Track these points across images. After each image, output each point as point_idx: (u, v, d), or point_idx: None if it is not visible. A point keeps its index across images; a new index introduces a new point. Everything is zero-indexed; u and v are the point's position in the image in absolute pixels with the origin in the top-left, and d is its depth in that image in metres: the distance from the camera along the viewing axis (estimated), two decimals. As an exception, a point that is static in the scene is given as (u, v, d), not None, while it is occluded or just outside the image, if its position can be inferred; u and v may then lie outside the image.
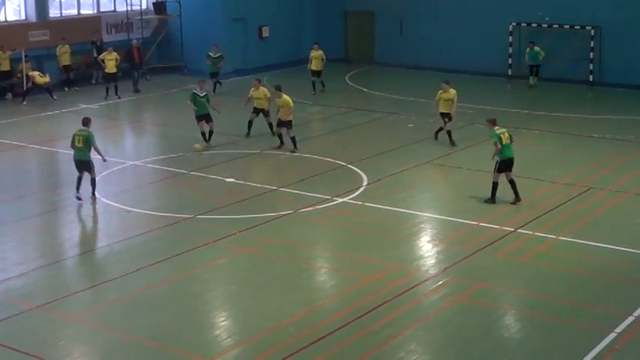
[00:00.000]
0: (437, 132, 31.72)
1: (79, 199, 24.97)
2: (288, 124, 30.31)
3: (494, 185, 24.44)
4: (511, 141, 24.68)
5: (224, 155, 30.04)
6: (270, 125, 31.76)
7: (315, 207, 24.78)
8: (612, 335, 17.17)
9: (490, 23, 44.36)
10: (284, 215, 24.11)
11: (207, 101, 31.77)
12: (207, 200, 25.38)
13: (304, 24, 50.02)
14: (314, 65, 40.70)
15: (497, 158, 24.35)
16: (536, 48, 41.51)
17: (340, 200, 25.37)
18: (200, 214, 24.11)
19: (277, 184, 26.69)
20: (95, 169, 25.37)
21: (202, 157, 29.89)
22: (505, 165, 24.34)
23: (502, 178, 24.26)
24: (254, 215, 24.01)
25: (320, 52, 40.52)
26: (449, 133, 31.23)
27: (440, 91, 31.29)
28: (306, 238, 22.80)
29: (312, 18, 50.16)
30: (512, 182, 24.39)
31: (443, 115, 31.21)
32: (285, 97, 30.47)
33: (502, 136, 24.34)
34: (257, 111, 31.94)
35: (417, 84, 42.88)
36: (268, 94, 31.85)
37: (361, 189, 26.42)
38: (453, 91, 31.35)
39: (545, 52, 41.37)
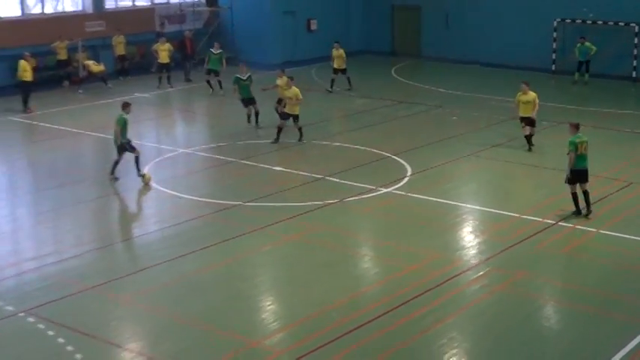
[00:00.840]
0: (527, 139, 29.58)
1: (116, 179, 25.69)
2: (295, 118, 30.17)
3: (573, 197, 22.83)
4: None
5: (272, 145, 30.12)
6: (300, 130, 30.74)
7: (360, 196, 24.84)
8: (649, 327, 17.21)
9: (534, 19, 44.20)
10: (330, 204, 24.19)
11: (250, 83, 32.50)
12: (255, 188, 25.50)
13: (352, 17, 50.05)
14: (337, 64, 39.84)
15: (570, 167, 22.61)
16: (587, 43, 41.09)
17: (385, 190, 25.42)
18: (248, 202, 24.24)
19: (324, 174, 26.78)
20: (135, 148, 25.88)
21: (249, 146, 30.00)
22: (577, 175, 22.73)
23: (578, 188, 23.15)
24: (301, 203, 24.10)
25: (341, 51, 39.81)
26: (528, 137, 29.39)
27: (519, 93, 29.51)
28: (351, 226, 22.88)
29: (359, 12, 50.19)
30: (585, 193, 22.79)
31: (522, 119, 29.44)
32: (295, 89, 30.24)
33: (579, 145, 22.61)
34: (287, 116, 30.67)
35: (461, 78, 42.83)
36: (300, 96, 30.56)
37: (405, 179, 26.45)
38: (532, 94, 29.26)
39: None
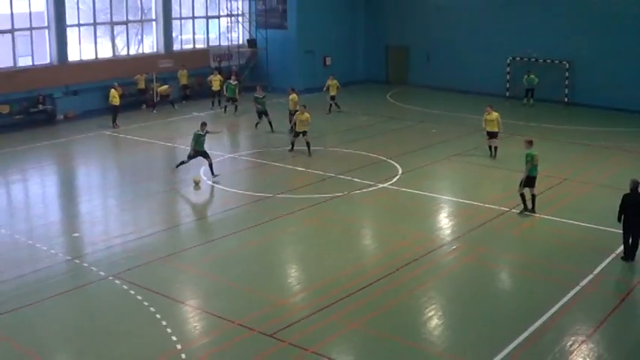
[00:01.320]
0: (490, 150, 29.16)
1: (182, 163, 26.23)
2: (304, 133, 29.35)
3: (522, 197, 22.32)
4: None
5: (296, 151, 29.99)
6: (308, 145, 29.48)
7: (362, 190, 24.79)
8: (577, 288, 17.16)
9: (493, 57, 43.91)
10: (340, 196, 24.14)
11: (265, 100, 33.91)
12: (283, 183, 25.48)
13: (356, 54, 49.86)
14: (331, 91, 38.57)
15: (526, 174, 22.06)
16: (532, 75, 41.07)
17: (381, 185, 25.36)
18: (278, 194, 24.23)
19: (334, 173, 26.71)
20: (210, 156, 26.07)
21: (278, 152, 29.96)
22: (529, 181, 22.22)
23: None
24: (318, 195, 24.08)
25: (335, 82, 38.73)
26: (495, 148, 28.94)
27: (485, 114, 28.95)
28: (356, 213, 22.83)
29: (362, 50, 50.00)
30: (534, 196, 22.33)
31: (489, 133, 28.95)
32: (307, 114, 29.60)
33: (535, 157, 22.13)
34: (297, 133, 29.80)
35: (439, 100, 42.60)
36: (309, 120, 29.74)
37: (397, 177, 26.37)
38: (495, 114, 28.74)
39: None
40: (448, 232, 21.13)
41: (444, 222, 22.21)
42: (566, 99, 41.82)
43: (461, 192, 25.04)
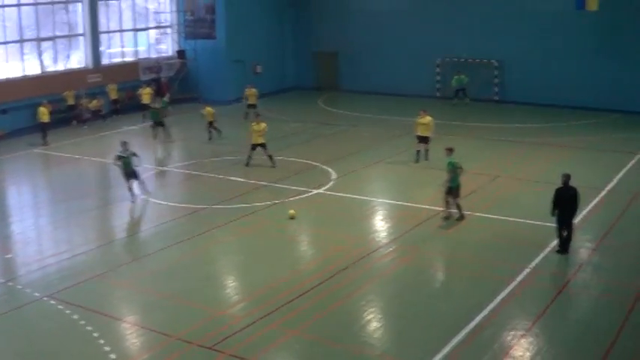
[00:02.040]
0: (417, 155, 28.76)
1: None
2: (263, 146, 28.55)
3: (446, 204, 21.97)
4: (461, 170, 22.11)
5: (228, 161, 29.98)
6: (271, 157, 28.82)
7: (297, 197, 24.75)
8: (514, 283, 17.38)
9: (422, 58, 44.35)
10: (275, 204, 24.11)
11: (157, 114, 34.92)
12: (218, 194, 25.32)
13: (286, 61, 49.88)
14: (250, 100, 38.05)
15: (448, 184, 21.82)
16: (462, 75, 41.60)
17: (316, 191, 25.38)
18: (213, 205, 24.10)
19: (268, 181, 26.65)
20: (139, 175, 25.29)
21: (214, 162, 29.80)
22: (452, 191, 21.77)
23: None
24: (253, 204, 23.99)
25: (254, 90, 38.35)
26: (426, 151, 28.49)
27: (418, 117, 28.59)
28: (291, 220, 22.68)
29: (291, 57, 50.03)
30: (459, 206, 21.89)
31: (420, 138, 28.47)
32: (263, 123, 28.78)
33: (455, 166, 21.77)
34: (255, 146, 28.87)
35: (370, 104, 42.84)
36: (266, 129, 28.78)
37: (331, 182, 26.43)
38: (428, 118, 28.38)
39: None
40: (384, 234, 21.22)
41: (380, 225, 22.31)
42: (496, 97, 42.45)
43: (395, 194, 25.19)
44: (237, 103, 40.71)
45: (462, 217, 22.01)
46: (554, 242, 19.45)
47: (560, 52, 40.39)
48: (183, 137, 34.82)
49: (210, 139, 33.83)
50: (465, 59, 42.95)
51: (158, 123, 34.90)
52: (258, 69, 47.26)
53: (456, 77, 41.71)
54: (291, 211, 22.70)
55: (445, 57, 43.73)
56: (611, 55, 39.06)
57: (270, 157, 28.69)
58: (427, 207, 23.10)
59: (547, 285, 17.69)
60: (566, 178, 19.03)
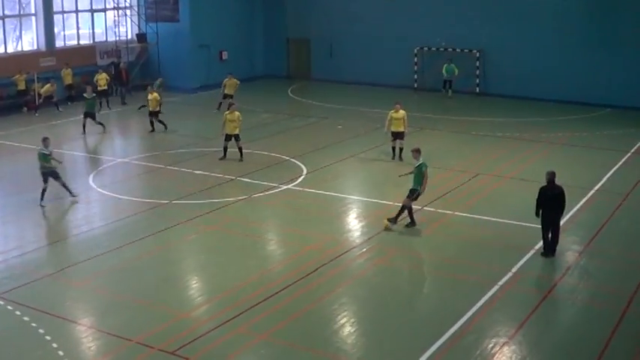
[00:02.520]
0: (393, 151, 28.66)
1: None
2: (237, 137, 28.63)
3: (409, 210, 21.27)
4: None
5: (192, 153, 29.84)
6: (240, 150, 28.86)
7: (265, 192, 24.69)
8: (496, 287, 17.41)
9: (400, 47, 44.42)
10: (241, 199, 24.02)
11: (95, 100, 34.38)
12: (180, 188, 25.16)
13: (255, 48, 49.78)
14: (228, 90, 37.72)
15: (418, 189, 21.14)
16: (452, 65, 41.68)
17: (285, 187, 25.30)
18: (175, 200, 23.94)
19: (235, 175, 26.55)
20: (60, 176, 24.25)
21: (176, 154, 29.62)
22: (415, 195, 21.17)
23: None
24: (218, 200, 23.89)
25: (235, 80, 38.17)
26: (400, 149, 28.27)
27: (392, 111, 28.25)
28: (259, 217, 22.65)
29: (261, 44, 49.92)
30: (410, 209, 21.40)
31: (394, 134, 28.32)
32: (237, 112, 28.82)
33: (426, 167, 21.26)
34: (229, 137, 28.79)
35: (344, 95, 42.85)
36: (240, 118, 28.76)
37: (301, 178, 26.37)
38: (402, 112, 28.08)
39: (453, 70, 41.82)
40: (358, 233, 21.20)
41: (353, 223, 22.27)
42: (477, 89, 42.58)
43: (370, 191, 25.18)
44: (201, 92, 40.60)
45: (413, 224, 21.39)
46: (539, 244, 19.51)
47: (546, 41, 40.57)
48: (145, 128, 34.48)
49: (152, 130, 33.53)
50: (444, 48, 43.06)
51: (89, 114, 33.60)
52: (225, 55, 47.11)
53: (445, 66, 41.73)
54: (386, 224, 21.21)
55: (424, 46, 43.81)
56: (603, 44, 39.27)
57: (240, 149, 28.61)
58: (399, 204, 23.01)
59: (531, 290, 17.74)
60: (551, 176, 19.08)
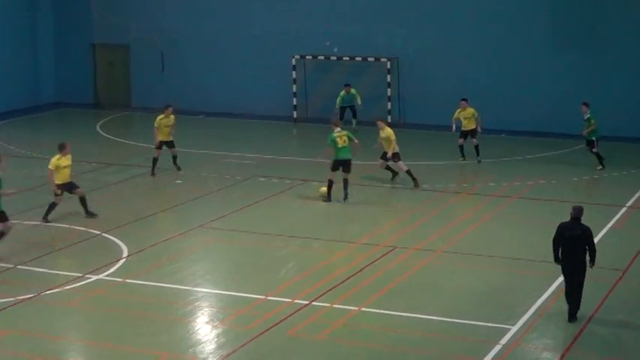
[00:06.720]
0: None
1: None
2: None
3: (330, 183, 28.82)
4: (350, 141, 30.69)
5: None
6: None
7: (63, 288, 24.38)
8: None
9: (268, 57, 44.82)
10: (22, 300, 23.59)
11: None
12: None
13: (40, 63, 49.30)
14: None
15: (331, 158, 28.05)
16: (353, 90, 42.10)
17: (95, 278, 25.07)
18: None
19: (13, 262, 26.16)
20: None
21: None
22: (339, 164, 29.12)
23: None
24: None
25: None
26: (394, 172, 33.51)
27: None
28: (53, 328, 22.25)
29: (50, 55, 49.57)
30: (346, 181, 30.37)
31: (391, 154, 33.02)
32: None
33: (338, 139, 30.40)
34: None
35: (183, 131, 42.59)
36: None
37: (121, 262, 26.24)
38: (389, 130, 33.13)
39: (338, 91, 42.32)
40: (212, 346, 20.99)
41: (205, 331, 22.06)
42: (389, 118, 42.43)
43: (227, 279, 25.22)
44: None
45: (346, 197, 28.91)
46: (494, 351, 19.81)
47: (494, 47, 41.55)
48: None
49: None
50: (337, 57, 43.52)
51: None
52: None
53: (342, 93, 41.98)
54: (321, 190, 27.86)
55: (306, 53, 44.18)
56: (572, 51, 40.37)
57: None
58: (281, 299, 23.12)
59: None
60: (576, 211, 20.36)
